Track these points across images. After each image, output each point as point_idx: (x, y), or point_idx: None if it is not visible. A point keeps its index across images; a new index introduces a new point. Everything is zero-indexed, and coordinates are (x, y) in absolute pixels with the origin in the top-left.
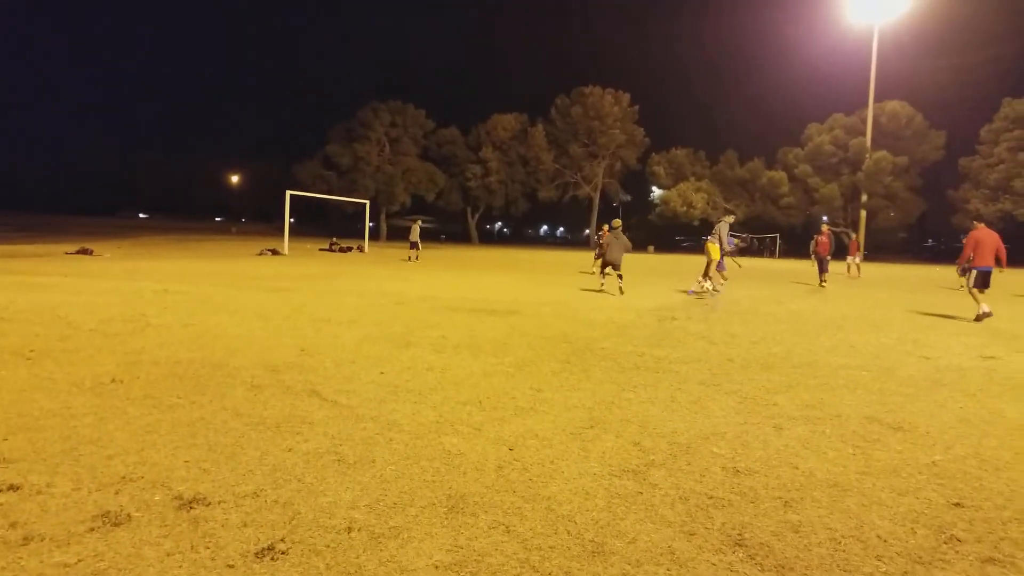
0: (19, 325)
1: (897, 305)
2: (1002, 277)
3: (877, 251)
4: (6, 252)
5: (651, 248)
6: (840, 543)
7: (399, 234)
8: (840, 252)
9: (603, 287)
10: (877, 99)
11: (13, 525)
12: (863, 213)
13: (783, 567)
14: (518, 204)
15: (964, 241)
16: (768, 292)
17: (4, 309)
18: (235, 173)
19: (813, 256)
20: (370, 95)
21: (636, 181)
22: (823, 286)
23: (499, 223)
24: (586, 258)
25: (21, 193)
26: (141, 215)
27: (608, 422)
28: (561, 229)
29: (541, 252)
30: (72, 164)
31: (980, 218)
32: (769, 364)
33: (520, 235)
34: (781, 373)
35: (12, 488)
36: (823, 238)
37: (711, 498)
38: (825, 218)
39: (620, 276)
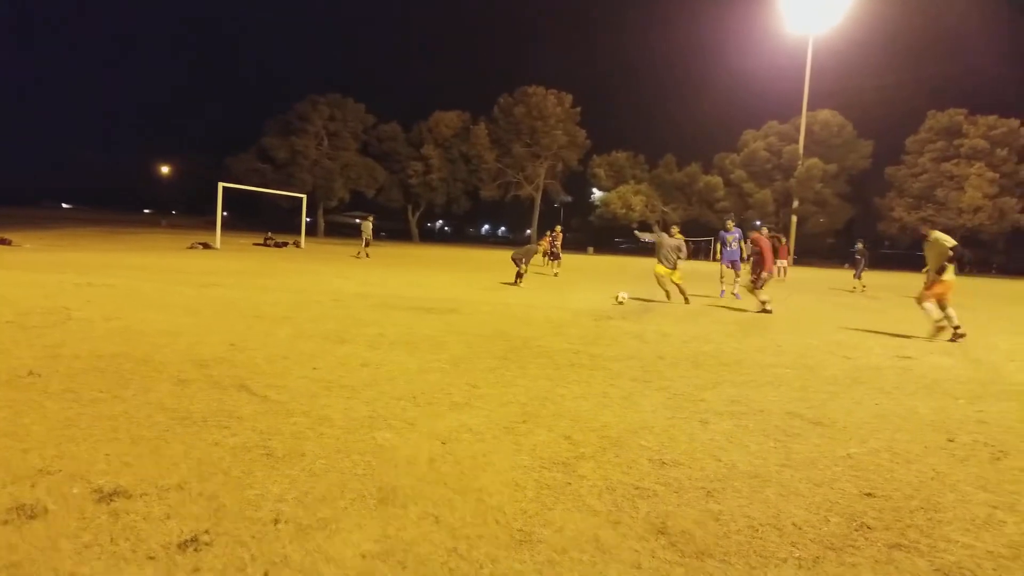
0: None
1: (823, 307)
2: (906, 281)
3: (806, 255)
4: None
5: (590, 250)
6: (758, 531)
7: (337, 230)
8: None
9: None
10: (810, 108)
11: None
12: (794, 218)
13: (703, 553)
14: (460, 202)
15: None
16: (701, 293)
17: None
18: (165, 164)
19: (749, 258)
20: (308, 88)
21: (577, 183)
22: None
23: (440, 221)
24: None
25: None
26: (65, 205)
27: (541, 417)
28: (503, 228)
29: (482, 251)
30: None
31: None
32: (698, 362)
33: (461, 234)
34: (709, 371)
35: None
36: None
37: (637, 488)
38: (758, 222)
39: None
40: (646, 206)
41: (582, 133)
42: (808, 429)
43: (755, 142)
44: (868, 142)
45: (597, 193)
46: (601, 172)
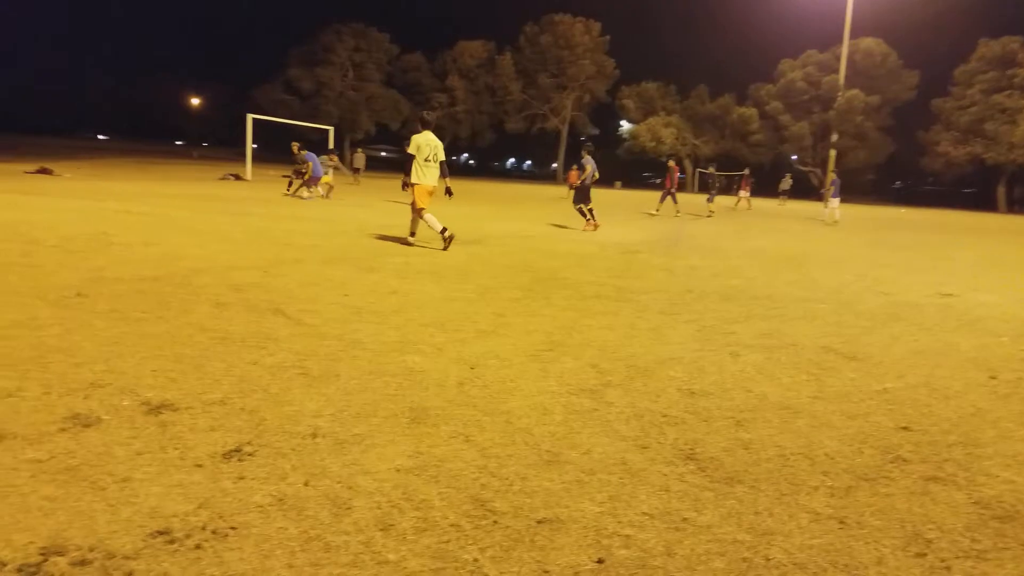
0: None
1: (860, 244)
2: (946, 219)
3: (845, 192)
4: None
5: (618, 184)
6: (788, 459)
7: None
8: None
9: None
10: (852, 36)
11: None
12: (832, 152)
13: (731, 479)
14: (484, 135)
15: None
16: (731, 228)
17: None
18: (195, 96)
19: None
20: (330, 16)
21: (605, 114)
22: (655, 214)
23: (465, 155)
24: (554, 192)
25: None
26: (100, 136)
27: (567, 346)
28: (528, 162)
29: (507, 185)
30: (27, 84)
31: None
32: (728, 296)
33: (486, 168)
34: (740, 304)
35: None
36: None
37: (665, 416)
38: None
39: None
40: (676, 139)
41: (611, 63)
42: (842, 363)
43: (792, 72)
44: (913, 72)
45: (625, 125)
46: (630, 103)
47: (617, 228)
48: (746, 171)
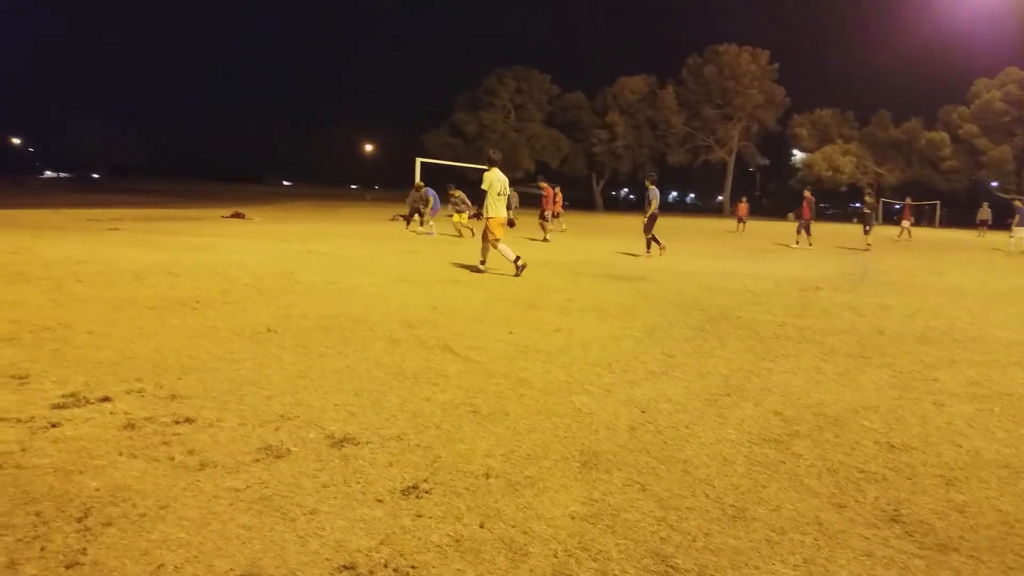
0: (185, 280)
1: None
2: None
3: None
4: (170, 215)
5: (790, 216)
6: (1013, 527)
7: (522, 200)
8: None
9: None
10: None
11: (191, 452)
12: None
13: (946, 547)
14: (645, 169)
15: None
16: (926, 263)
17: (172, 266)
18: (368, 142)
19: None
20: (495, 62)
21: (775, 144)
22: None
23: (625, 189)
24: (721, 225)
25: (179, 162)
26: (285, 182)
27: (746, 390)
28: (692, 195)
29: (670, 219)
30: (221, 135)
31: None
32: (927, 338)
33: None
34: (941, 348)
35: (188, 420)
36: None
37: (862, 472)
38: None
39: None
40: (856, 167)
41: (780, 91)
42: None
43: (989, 92)
44: None
45: (798, 155)
46: (803, 132)
47: (794, 263)
48: (908, 200)
